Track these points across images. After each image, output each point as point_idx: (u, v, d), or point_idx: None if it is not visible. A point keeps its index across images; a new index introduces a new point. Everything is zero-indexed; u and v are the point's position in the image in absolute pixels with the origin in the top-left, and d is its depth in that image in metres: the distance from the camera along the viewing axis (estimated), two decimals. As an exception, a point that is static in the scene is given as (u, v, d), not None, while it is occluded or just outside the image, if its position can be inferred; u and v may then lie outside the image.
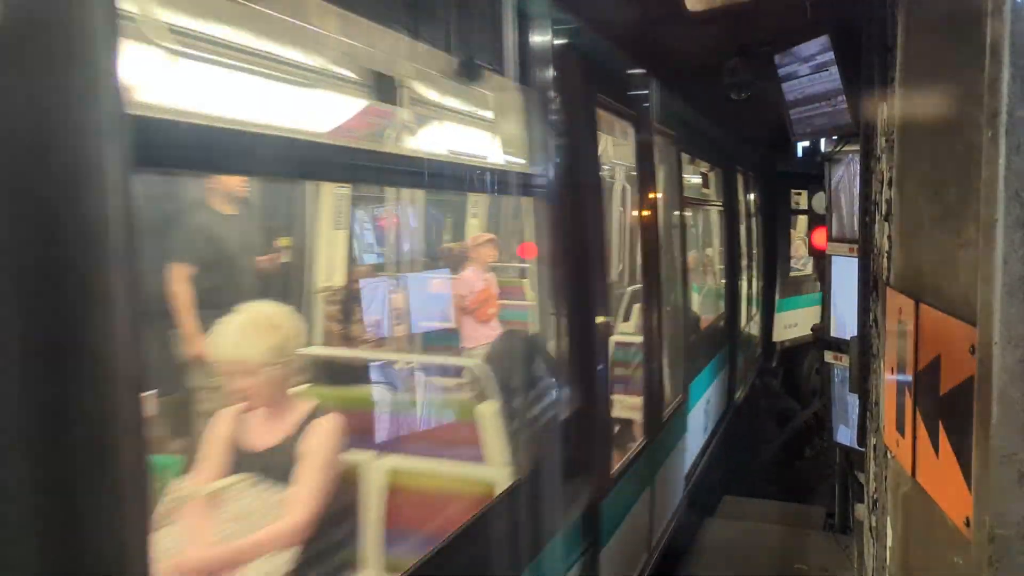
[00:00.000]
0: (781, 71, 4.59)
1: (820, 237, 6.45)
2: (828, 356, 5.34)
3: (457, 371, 4.13)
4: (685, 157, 6.29)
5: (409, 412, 3.59)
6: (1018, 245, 1.29)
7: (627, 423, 4.70)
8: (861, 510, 3.70)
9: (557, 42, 3.38)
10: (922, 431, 1.82)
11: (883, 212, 2.66)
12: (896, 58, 2.40)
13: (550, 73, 3.29)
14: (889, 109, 2.59)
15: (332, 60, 3.31)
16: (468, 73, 2.69)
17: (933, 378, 1.73)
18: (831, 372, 5.41)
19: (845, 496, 5.98)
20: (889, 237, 2.50)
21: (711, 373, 6.97)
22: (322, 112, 3.50)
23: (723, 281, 8.18)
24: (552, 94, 3.33)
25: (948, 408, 1.64)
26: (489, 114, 3.76)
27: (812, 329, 8.34)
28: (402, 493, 2.90)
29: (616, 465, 4.04)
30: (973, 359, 1.41)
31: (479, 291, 6.14)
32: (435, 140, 4.19)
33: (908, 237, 2.23)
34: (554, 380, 3.35)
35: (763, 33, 4.73)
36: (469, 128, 4.32)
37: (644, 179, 4.90)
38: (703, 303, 7.40)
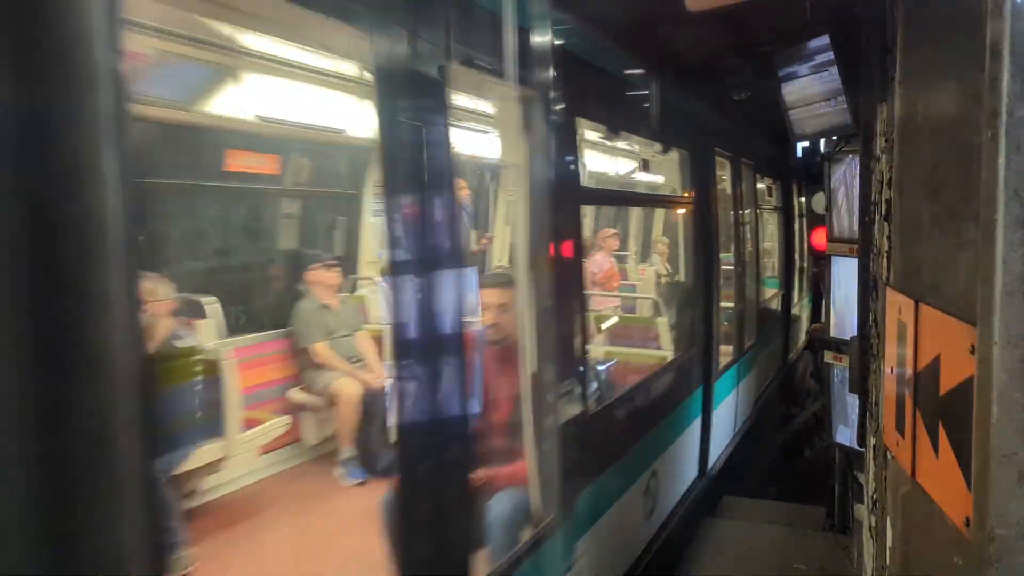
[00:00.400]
0: (781, 71, 4.59)
1: (820, 237, 6.45)
2: (828, 356, 5.34)
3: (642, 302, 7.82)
4: (759, 176, 9.00)
5: (617, 322, 6.61)
6: (1018, 245, 1.29)
7: (726, 345, 7.14)
8: (861, 510, 3.70)
9: (695, 123, 6.12)
10: (922, 431, 1.82)
11: (883, 212, 2.66)
12: (896, 58, 2.40)
13: (690, 138, 5.95)
14: (889, 109, 2.59)
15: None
16: (665, 151, 5.65)
17: (933, 378, 1.73)
18: (831, 372, 5.41)
19: (845, 496, 5.97)
20: (889, 237, 2.50)
21: (772, 333, 9.57)
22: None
23: (781, 268, 10.54)
24: (692, 151, 5.96)
25: (948, 408, 1.64)
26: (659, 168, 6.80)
27: (812, 330, 8.90)
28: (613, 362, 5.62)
29: (721, 364, 6.60)
30: (973, 359, 1.41)
31: (606, 270, 8.33)
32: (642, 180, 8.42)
33: (908, 237, 2.23)
34: (691, 313, 6.14)
35: (763, 33, 4.74)
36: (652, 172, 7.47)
37: (735, 195, 7.63)
38: (768, 284, 9.90)
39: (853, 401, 3.95)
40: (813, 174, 11.29)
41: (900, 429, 2.04)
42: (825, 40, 4.18)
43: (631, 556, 4.64)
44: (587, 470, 3.72)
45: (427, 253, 2.41)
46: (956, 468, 1.55)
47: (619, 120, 4.58)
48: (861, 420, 3.51)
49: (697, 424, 5.99)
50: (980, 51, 1.34)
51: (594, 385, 4.08)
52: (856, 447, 3.96)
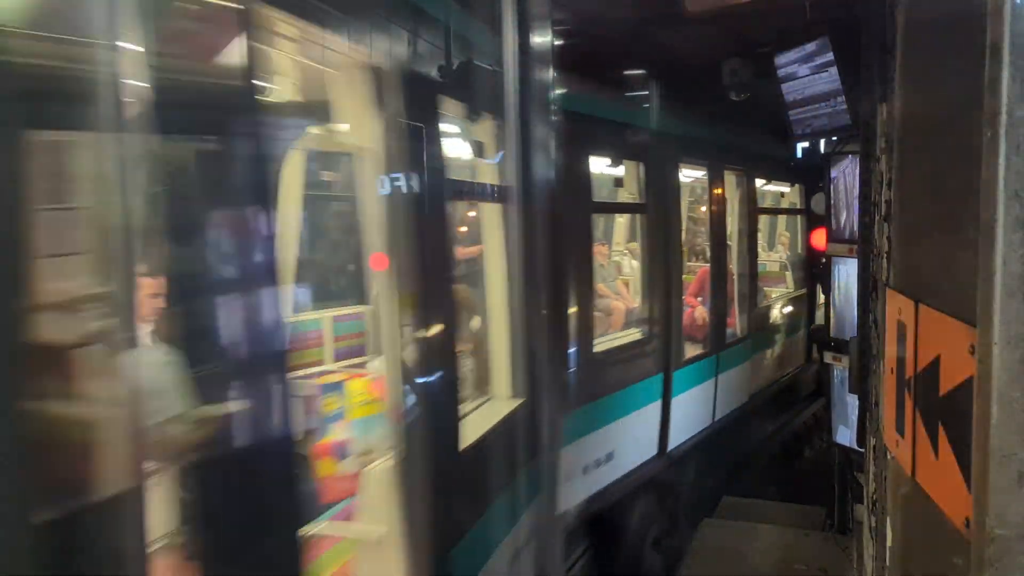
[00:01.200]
0: (781, 71, 4.59)
1: (819, 238, 6.45)
2: (828, 356, 5.34)
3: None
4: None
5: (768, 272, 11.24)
6: (1018, 245, 1.29)
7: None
8: (861, 510, 3.70)
9: (808, 167, 9.81)
10: (922, 431, 1.82)
11: (883, 212, 2.66)
12: (896, 58, 2.40)
13: (806, 177, 10.34)
14: (889, 109, 2.59)
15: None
16: (792, 186, 11.48)
17: (933, 378, 1.73)
18: (831, 372, 5.41)
19: (845, 496, 5.97)
20: (889, 238, 2.50)
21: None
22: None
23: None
24: (805, 183, 10.60)
25: (948, 408, 1.64)
26: (786, 189, 11.68)
27: (812, 330, 9.31)
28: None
29: (819, 302, 10.23)
30: (973, 359, 1.40)
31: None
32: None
33: (908, 237, 2.23)
34: (802, 275, 11.16)
35: (763, 33, 4.74)
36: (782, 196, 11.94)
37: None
38: None
39: (853, 401, 3.95)
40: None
41: (900, 429, 2.04)
42: (825, 40, 4.18)
43: (772, 377, 9.27)
44: (755, 326, 8.56)
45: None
46: (956, 468, 1.55)
47: (773, 175, 10.13)
48: (861, 420, 3.51)
49: (804, 332, 10.53)
50: (980, 51, 1.34)
51: (760, 295, 9.17)
52: (856, 447, 3.96)
